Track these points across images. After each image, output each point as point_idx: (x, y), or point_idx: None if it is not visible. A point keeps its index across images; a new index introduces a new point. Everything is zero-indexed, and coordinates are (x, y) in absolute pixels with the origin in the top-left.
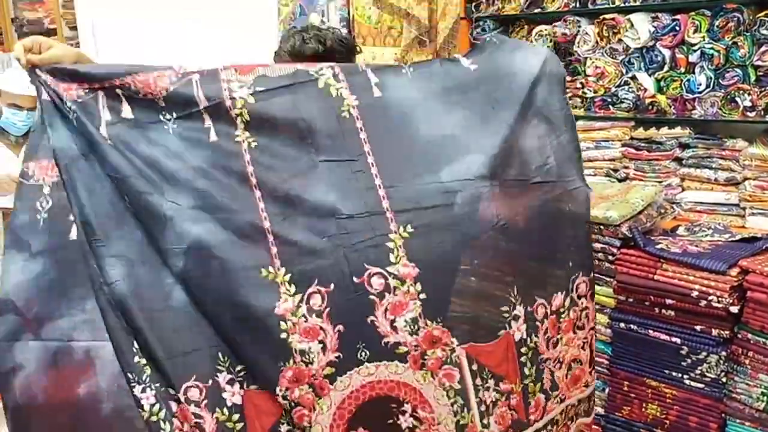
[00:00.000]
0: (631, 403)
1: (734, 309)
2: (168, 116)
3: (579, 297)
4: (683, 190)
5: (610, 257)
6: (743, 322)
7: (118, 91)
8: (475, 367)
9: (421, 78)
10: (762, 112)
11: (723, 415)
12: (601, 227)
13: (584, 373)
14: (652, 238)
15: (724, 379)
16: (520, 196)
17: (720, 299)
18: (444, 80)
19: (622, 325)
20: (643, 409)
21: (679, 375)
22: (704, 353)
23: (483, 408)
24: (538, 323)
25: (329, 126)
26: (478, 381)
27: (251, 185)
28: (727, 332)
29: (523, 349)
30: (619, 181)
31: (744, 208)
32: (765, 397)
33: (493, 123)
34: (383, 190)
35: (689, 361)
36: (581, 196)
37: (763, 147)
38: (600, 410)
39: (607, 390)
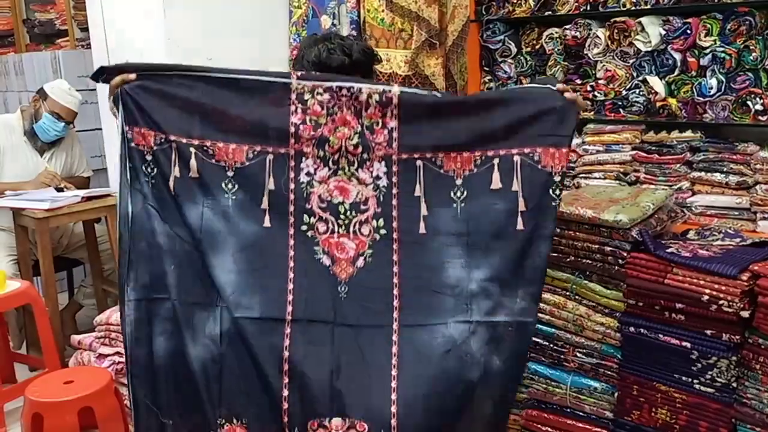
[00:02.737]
0: (641, 408)
1: (745, 314)
2: (231, 186)
3: None
4: (694, 193)
5: (620, 261)
6: (754, 326)
7: (192, 149)
8: None
9: (466, 217)
10: None
11: (733, 420)
12: (611, 231)
13: None
14: (663, 241)
15: (734, 384)
16: None
17: (731, 304)
18: (479, 225)
19: (632, 329)
20: (653, 414)
21: (689, 380)
22: (714, 358)
23: None
24: None
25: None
26: None
27: (287, 278)
28: (738, 337)
29: None
30: (630, 184)
31: (755, 213)
32: None
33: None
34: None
35: (699, 365)
36: None
37: None
38: (609, 414)
39: (616, 394)
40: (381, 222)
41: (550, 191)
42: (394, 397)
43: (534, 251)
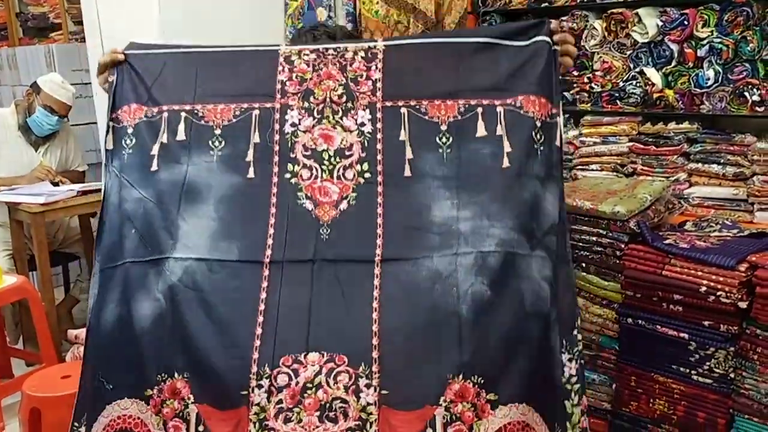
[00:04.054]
0: (639, 399)
1: (743, 304)
2: (218, 143)
3: None
4: (691, 185)
5: (618, 252)
6: (752, 317)
7: (183, 114)
8: None
9: (452, 162)
10: None
11: (731, 410)
12: (609, 222)
13: None
14: (660, 233)
15: (732, 375)
16: None
17: (728, 295)
18: (466, 169)
19: (630, 320)
20: (651, 405)
21: (687, 370)
22: (712, 349)
23: None
24: None
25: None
26: None
27: (268, 223)
28: (736, 328)
29: None
30: (627, 176)
31: (752, 204)
32: None
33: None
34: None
35: (697, 356)
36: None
37: None
38: (607, 405)
39: (614, 385)
40: (365, 166)
41: (533, 134)
42: (375, 328)
43: (521, 185)
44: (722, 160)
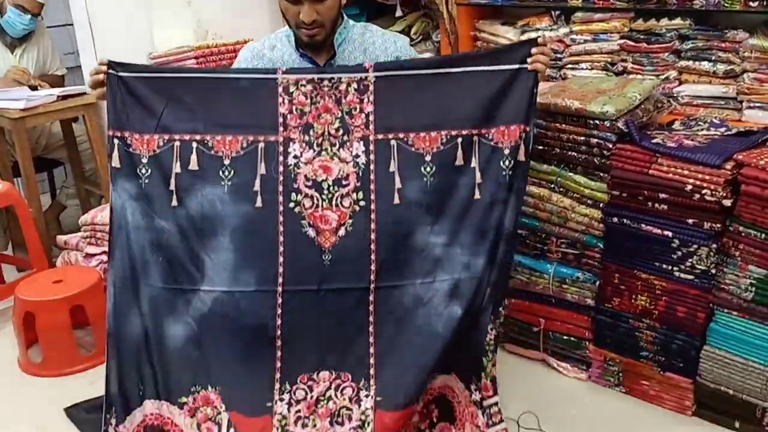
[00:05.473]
0: (621, 295)
1: (727, 202)
2: (227, 173)
3: None
4: (681, 83)
5: (606, 152)
6: (735, 215)
7: (194, 144)
8: None
9: (433, 190)
10: (764, 2)
11: (711, 305)
12: (597, 122)
13: None
14: (648, 132)
15: (713, 271)
16: None
17: (714, 193)
18: (445, 197)
19: (615, 219)
20: (633, 300)
21: (670, 267)
22: (695, 246)
23: None
24: None
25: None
26: None
27: (278, 252)
28: (719, 225)
29: None
30: (617, 74)
31: (741, 102)
32: (753, 288)
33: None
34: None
35: (680, 253)
36: None
37: (763, 38)
38: (590, 302)
39: (597, 282)
40: (360, 195)
41: (500, 163)
42: (371, 350)
43: (491, 216)
44: (713, 57)
